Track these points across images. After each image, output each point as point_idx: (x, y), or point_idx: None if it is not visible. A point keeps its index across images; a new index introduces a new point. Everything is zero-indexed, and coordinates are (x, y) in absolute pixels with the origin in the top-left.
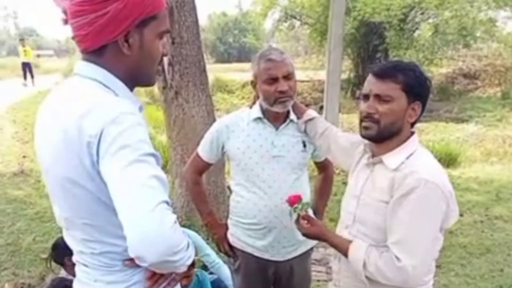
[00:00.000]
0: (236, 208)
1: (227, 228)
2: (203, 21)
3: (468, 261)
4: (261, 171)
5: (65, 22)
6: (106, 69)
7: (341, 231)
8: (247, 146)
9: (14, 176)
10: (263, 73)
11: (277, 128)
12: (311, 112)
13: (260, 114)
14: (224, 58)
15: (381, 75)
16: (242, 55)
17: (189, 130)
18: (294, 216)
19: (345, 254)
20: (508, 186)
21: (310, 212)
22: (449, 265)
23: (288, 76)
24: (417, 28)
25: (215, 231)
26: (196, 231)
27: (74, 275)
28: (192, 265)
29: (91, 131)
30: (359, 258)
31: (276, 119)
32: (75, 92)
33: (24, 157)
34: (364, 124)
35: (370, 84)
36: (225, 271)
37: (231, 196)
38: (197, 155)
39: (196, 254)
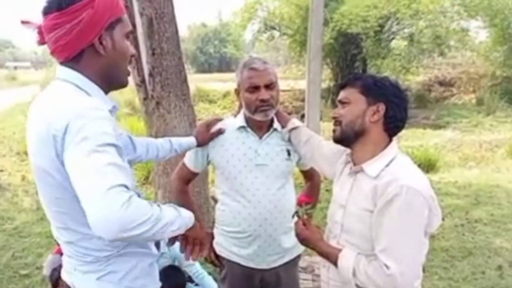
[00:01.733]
0: (221, 217)
1: (213, 238)
2: (183, 31)
3: (450, 264)
4: (245, 179)
5: (41, 42)
6: (82, 73)
7: (329, 241)
8: (231, 154)
9: None
10: (246, 82)
11: (260, 137)
12: (295, 121)
13: (243, 123)
14: (205, 68)
15: (344, 84)
16: (222, 65)
17: None
18: (296, 217)
19: (334, 263)
20: (486, 189)
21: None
22: (432, 269)
23: (270, 86)
24: (393, 38)
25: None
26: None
27: None
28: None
29: (57, 125)
30: (348, 266)
31: (260, 128)
32: (51, 93)
33: (1, 171)
34: (332, 128)
35: (338, 95)
36: (209, 282)
37: (216, 205)
38: (183, 164)
39: (180, 266)
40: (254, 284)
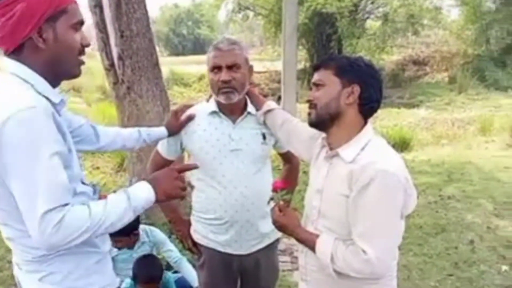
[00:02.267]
0: (197, 204)
1: (190, 225)
2: (154, 12)
3: (425, 241)
4: (219, 165)
5: None
6: (26, 65)
7: (307, 226)
8: (204, 140)
9: None
10: (210, 62)
11: (234, 121)
12: (270, 103)
13: (215, 108)
14: (179, 50)
15: (317, 66)
16: (197, 47)
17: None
18: (272, 203)
19: (312, 248)
20: (459, 167)
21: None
22: (407, 246)
23: (233, 67)
24: (368, 18)
25: (179, 228)
26: (158, 228)
27: None
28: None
29: None
30: (326, 252)
31: (232, 112)
32: None
33: None
34: (308, 112)
35: (312, 77)
36: (187, 267)
37: (192, 192)
38: (157, 152)
39: (159, 252)
40: (232, 270)
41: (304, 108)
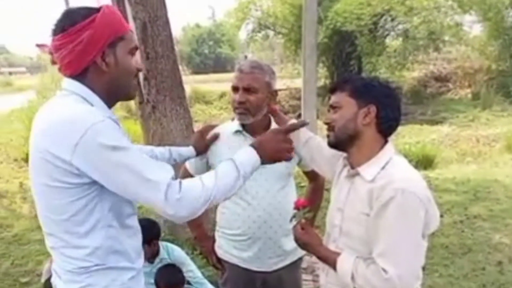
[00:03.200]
0: (221, 220)
1: (214, 241)
2: (177, 33)
3: (451, 261)
4: None
5: (53, 62)
6: (88, 87)
7: (328, 244)
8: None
9: None
10: (232, 81)
11: None
12: (293, 122)
13: (239, 127)
14: (201, 69)
15: (333, 89)
16: (218, 65)
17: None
18: (294, 220)
19: (333, 266)
20: (484, 185)
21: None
22: (432, 266)
23: (250, 90)
24: (387, 35)
25: (203, 244)
26: (180, 246)
27: None
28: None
29: (68, 135)
30: (347, 270)
31: (255, 130)
32: (58, 104)
33: None
34: (326, 134)
35: (329, 99)
36: (208, 287)
37: (217, 208)
38: (185, 169)
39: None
40: (255, 287)
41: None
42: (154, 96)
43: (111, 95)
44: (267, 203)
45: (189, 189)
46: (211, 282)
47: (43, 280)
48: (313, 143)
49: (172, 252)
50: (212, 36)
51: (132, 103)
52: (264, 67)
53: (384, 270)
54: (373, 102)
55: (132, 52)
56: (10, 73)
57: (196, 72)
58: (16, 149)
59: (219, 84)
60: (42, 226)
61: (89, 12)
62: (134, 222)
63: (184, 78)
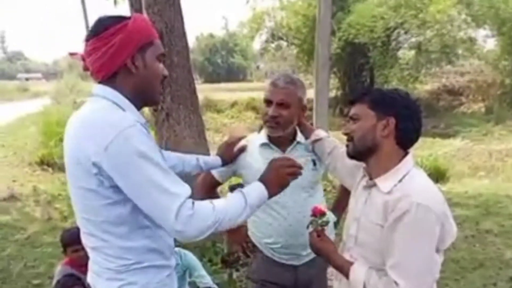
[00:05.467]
0: (253, 227)
1: (247, 229)
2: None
3: (461, 276)
4: None
5: (85, 68)
6: (118, 91)
7: (343, 252)
8: (256, 170)
9: (3, 201)
10: (264, 94)
11: (284, 151)
12: (318, 133)
13: (266, 140)
14: (213, 78)
15: (352, 100)
16: (230, 75)
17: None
18: (311, 227)
19: (346, 275)
20: (497, 200)
21: (328, 229)
22: (443, 281)
23: (283, 105)
24: (400, 47)
25: (235, 233)
26: (190, 251)
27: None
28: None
29: (99, 139)
30: (359, 280)
31: (281, 143)
32: (91, 109)
33: (14, 181)
34: (346, 144)
35: (349, 110)
36: None
37: None
38: (211, 175)
39: (190, 276)
40: (286, 280)
41: (335, 135)
42: (168, 104)
43: (139, 99)
44: (297, 212)
45: (201, 209)
46: None
47: (54, 283)
48: (337, 152)
49: (184, 257)
50: (225, 46)
51: (147, 110)
52: (297, 82)
53: (396, 283)
54: (392, 115)
55: (159, 58)
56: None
57: (209, 81)
58: (30, 153)
59: (231, 93)
60: (80, 227)
61: (121, 19)
62: None
63: (196, 86)
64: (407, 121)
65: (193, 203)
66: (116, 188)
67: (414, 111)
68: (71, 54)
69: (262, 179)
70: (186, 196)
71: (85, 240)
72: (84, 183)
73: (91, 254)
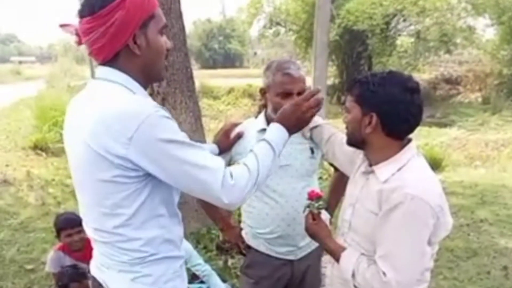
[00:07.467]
0: (248, 219)
1: (241, 229)
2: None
3: (455, 264)
4: (270, 180)
5: (79, 43)
6: (123, 72)
7: (337, 237)
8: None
9: None
10: (278, 86)
11: None
12: (316, 119)
13: (265, 126)
14: (209, 64)
15: (348, 88)
16: (227, 61)
17: None
18: (307, 210)
19: (337, 260)
20: (492, 189)
21: (324, 214)
22: (437, 269)
23: (302, 93)
24: (399, 35)
25: (230, 233)
26: (185, 237)
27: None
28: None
29: (120, 128)
30: (348, 267)
31: None
32: (100, 94)
33: (6, 165)
34: (346, 133)
35: (345, 99)
36: (215, 280)
37: (242, 206)
38: None
39: (187, 264)
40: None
41: (333, 123)
42: (164, 88)
43: (144, 78)
44: (295, 200)
45: (239, 176)
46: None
47: (49, 269)
48: (335, 139)
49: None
50: (223, 31)
51: None
52: (299, 65)
53: (384, 273)
54: (375, 111)
55: (161, 31)
56: (20, 62)
57: (205, 66)
58: (24, 138)
59: (228, 79)
60: (91, 223)
61: None
62: (178, 209)
63: (193, 72)
64: (391, 115)
65: (231, 172)
66: (140, 178)
67: (401, 103)
68: (62, 26)
69: (282, 120)
70: (224, 168)
71: (96, 235)
72: (106, 175)
73: (100, 247)
